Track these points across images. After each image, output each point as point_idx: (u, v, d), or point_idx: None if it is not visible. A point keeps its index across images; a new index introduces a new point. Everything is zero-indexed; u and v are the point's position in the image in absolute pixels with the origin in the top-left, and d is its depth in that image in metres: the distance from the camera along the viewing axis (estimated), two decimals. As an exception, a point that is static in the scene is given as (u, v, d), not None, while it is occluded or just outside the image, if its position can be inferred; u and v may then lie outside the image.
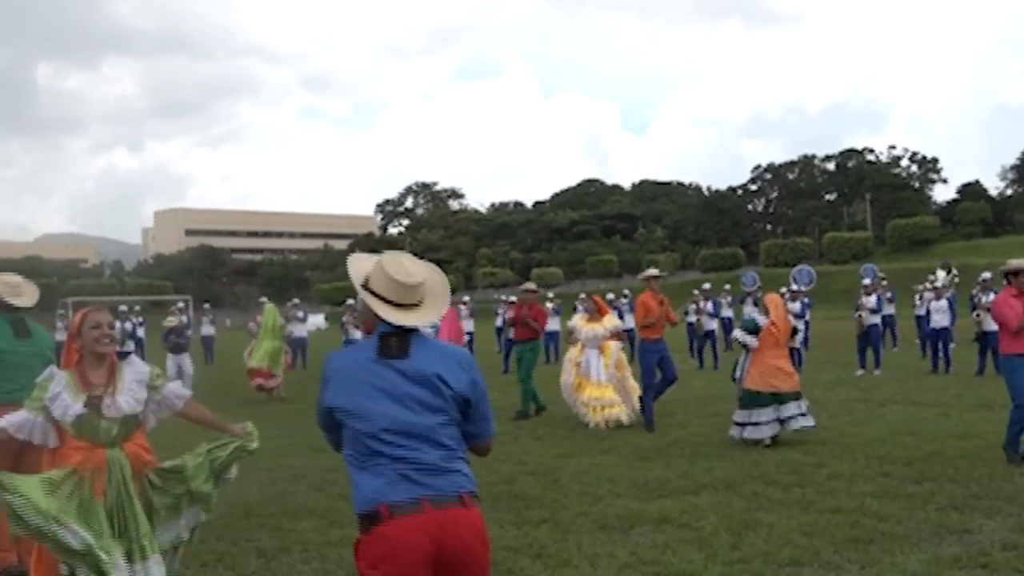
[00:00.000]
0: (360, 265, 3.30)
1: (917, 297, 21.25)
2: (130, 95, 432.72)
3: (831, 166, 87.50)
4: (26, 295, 5.98)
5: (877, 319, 17.56)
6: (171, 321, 17.34)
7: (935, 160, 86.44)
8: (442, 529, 2.98)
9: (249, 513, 7.36)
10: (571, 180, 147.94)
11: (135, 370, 4.53)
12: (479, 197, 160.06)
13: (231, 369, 23.37)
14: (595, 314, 12.58)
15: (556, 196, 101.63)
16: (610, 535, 6.41)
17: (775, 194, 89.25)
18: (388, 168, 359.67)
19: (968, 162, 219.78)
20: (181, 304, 27.82)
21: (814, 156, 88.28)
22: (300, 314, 24.38)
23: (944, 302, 17.00)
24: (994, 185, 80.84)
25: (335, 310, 58.53)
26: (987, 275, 17.20)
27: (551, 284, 66.69)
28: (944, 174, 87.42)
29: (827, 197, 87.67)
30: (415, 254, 3.46)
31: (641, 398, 11.60)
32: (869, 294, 17.54)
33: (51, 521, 4.09)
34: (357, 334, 18.70)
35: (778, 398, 9.81)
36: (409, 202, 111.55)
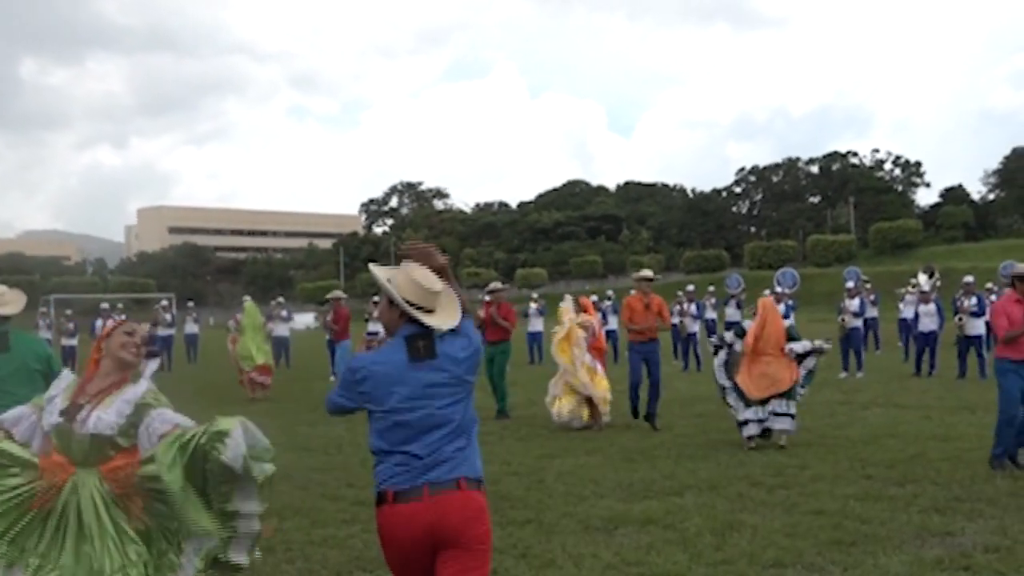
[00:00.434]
0: (385, 272, 3.68)
1: (900, 301, 21.38)
2: (116, 92, 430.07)
3: (815, 169, 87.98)
4: (10, 304, 5.68)
5: (859, 322, 17.67)
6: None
7: (918, 164, 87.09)
8: (439, 512, 3.39)
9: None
10: (556, 181, 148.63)
11: (134, 390, 3.98)
12: (464, 197, 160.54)
13: (214, 367, 23.28)
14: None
15: (541, 197, 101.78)
16: (594, 536, 6.42)
17: (759, 196, 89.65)
18: (374, 167, 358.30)
19: (951, 166, 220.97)
20: (164, 302, 27.41)
21: (798, 159, 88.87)
22: (284, 313, 24.18)
23: (932, 306, 17.05)
24: (977, 189, 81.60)
25: (319, 308, 58.41)
26: (970, 279, 17.31)
27: (535, 285, 66.75)
28: (927, 178, 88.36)
29: (811, 200, 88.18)
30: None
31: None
32: (852, 297, 17.62)
33: None
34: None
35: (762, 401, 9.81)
36: (394, 202, 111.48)
